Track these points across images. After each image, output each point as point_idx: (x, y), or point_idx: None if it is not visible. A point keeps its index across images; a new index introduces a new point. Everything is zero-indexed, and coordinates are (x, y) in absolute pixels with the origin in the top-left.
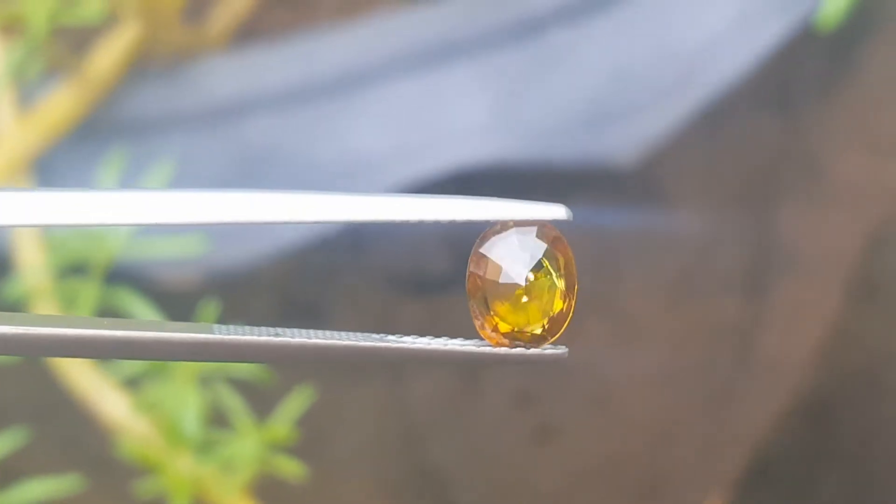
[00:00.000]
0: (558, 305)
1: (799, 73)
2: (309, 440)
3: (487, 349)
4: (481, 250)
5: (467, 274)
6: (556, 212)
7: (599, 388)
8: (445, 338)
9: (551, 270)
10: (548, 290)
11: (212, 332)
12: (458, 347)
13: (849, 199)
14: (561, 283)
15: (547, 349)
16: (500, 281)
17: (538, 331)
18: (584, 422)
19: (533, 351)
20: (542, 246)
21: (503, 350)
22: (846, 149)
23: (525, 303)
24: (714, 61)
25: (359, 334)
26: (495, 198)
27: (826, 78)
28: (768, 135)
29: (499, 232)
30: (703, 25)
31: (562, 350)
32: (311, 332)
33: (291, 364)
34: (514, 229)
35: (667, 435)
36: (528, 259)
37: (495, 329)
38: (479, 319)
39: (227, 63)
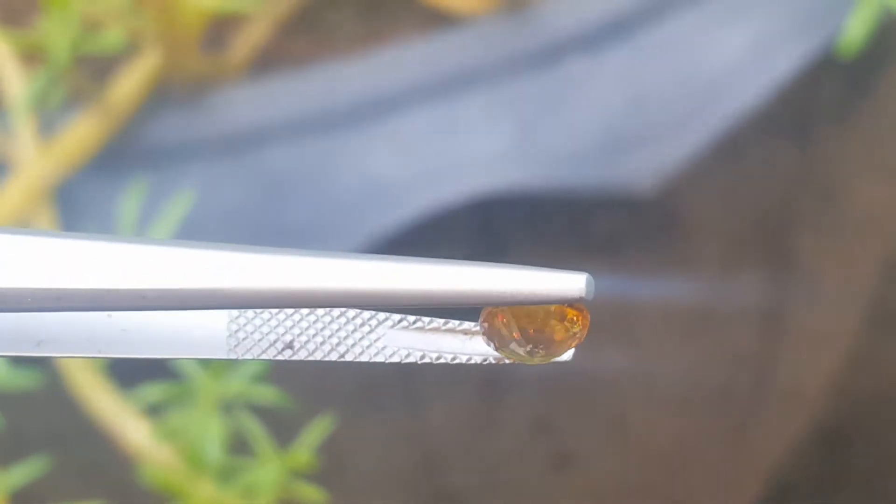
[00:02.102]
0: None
1: (817, 101)
2: (330, 467)
3: (493, 359)
4: (496, 325)
5: (480, 325)
6: (575, 285)
7: (617, 415)
8: (458, 321)
9: (565, 337)
10: (556, 351)
11: (229, 353)
12: (463, 361)
13: (866, 227)
14: (573, 338)
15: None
16: (511, 353)
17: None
18: (602, 449)
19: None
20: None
21: (507, 361)
22: (864, 177)
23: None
24: (732, 89)
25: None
26: (514, 266)
27: (844, 106)
28: (786, 163)
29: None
30: (720, 53)
31: (566, 356)
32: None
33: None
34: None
35: (684, 462)
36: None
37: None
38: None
39: (247, 91)
